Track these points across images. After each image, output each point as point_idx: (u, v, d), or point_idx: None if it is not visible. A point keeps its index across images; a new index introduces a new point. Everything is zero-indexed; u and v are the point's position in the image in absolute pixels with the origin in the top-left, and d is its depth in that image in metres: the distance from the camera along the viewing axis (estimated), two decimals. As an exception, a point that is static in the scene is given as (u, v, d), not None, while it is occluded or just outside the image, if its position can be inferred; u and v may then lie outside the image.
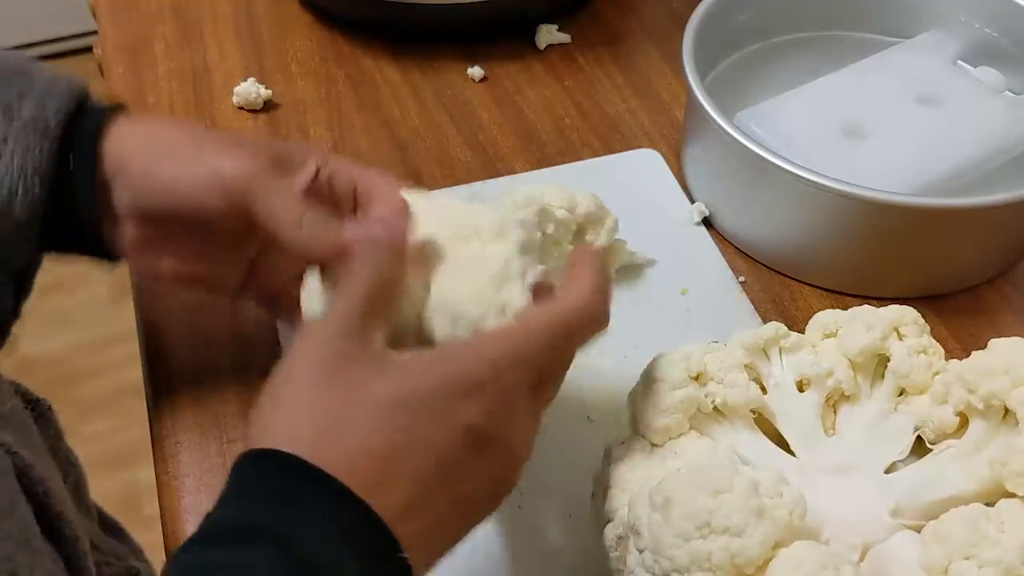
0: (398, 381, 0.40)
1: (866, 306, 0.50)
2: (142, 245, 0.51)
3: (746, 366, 0.48)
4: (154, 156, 0.49)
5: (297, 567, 0.35)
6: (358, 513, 0.37)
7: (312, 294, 0.48)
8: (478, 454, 0.40)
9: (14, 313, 0.52)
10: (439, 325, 0.44)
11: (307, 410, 0.39)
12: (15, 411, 0.45)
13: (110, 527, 0.60)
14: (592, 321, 0.44)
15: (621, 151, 0.73)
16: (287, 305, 0.54)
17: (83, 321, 1.59)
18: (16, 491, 0.41)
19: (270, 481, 0.38)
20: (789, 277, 0.66)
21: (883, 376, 0.49)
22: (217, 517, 0.37)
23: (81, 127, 0.50)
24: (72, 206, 0.50)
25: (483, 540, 0.52)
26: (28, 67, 0.51)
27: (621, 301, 0.55)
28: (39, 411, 0.52)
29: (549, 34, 0.82)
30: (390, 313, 0.43)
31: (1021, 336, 0.47)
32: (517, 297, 0.43)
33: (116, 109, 0.52)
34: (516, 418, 0.41)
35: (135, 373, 0.62)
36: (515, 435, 0.41)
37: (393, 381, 0.40)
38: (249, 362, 0.60)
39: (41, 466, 0.43)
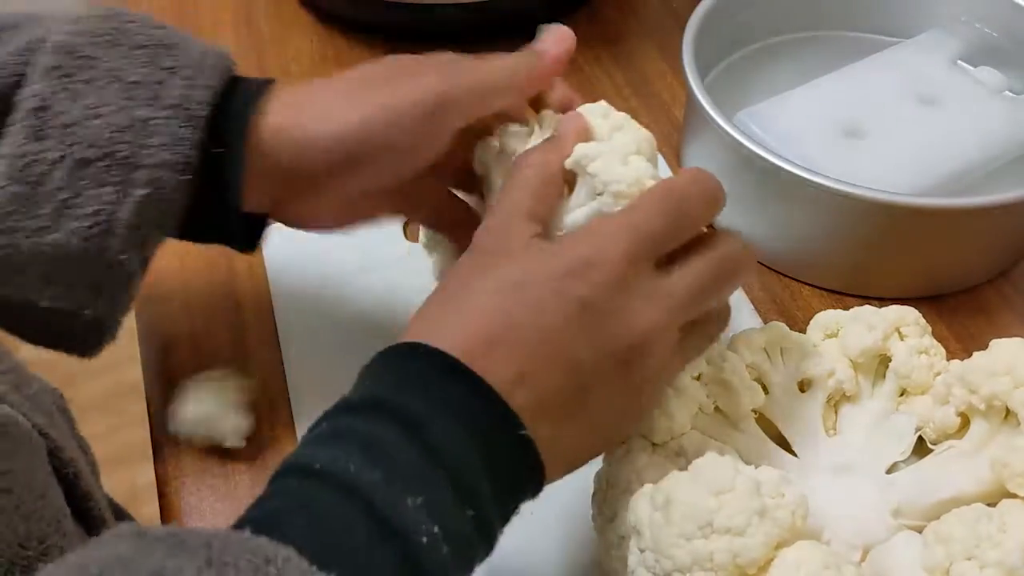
0: (518, 265, 0.42)
1: (867, 306, 0.50)
2: (314, 208, 0.51)
3: (747, 366, 0.48)
4: (311, 116, 0.49)
5: (416, 442, 0.37)
6: (466, 385, 0.39)
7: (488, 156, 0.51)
8: (593, 328, 0.41)
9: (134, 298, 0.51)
10: None
11: (435, 303, 0.43)
12: (41, 394, 0.44)
13: (120, 515, 0.60)
14: (697, 184, 0.45)
15: (621, 151, 0.73)
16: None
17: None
18: (48, 472, 0.40)
19: (393, 364, 0.40)
20: (789, 277, 0.66)
21: (884, 376, 0.49)
22: (347, 396, 0.40)
23: (230, 108, 0.48)
24: (218, 195, 0.49)
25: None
26: (176, 40, 0.50)
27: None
28: (53, 398, 0.51)
29: (549, 34, 0.82)
30: (547, 209, 0.45)
31: (1022, 336, 0.47)
32: None
33: (267, 84, 0.51)
34: (630, 289, 0.42)
35: (135, 373, 0.62)
36: (632, 307, 0.42)
37: (514, 265, 0.42)
38: (249, 362, 0.60)
39: (68, 447, 0.43)
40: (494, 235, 0.44)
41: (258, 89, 0.50)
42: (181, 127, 0.46)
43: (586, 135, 0.47)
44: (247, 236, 0.52)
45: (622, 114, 0.49)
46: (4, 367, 0.43)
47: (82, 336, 0.49)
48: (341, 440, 0.38)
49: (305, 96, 0.50)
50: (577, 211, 0.46)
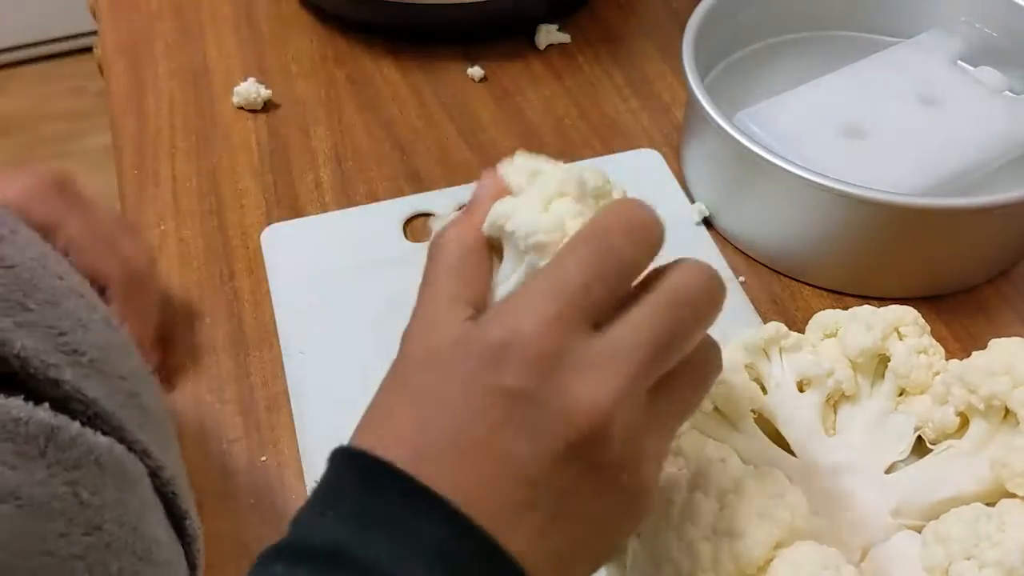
0: (440, 367, 0.36)
1: (866, 306, 0.50)
2: None
3: (746, 366, 0.48)
4: None
5: None
6: (439, 522, 0.33)
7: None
8: (529, 422, 0.34)
9: None
10: None
11: (377, 408, 0.38)
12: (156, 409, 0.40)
13: None
14: (622, 216, 0.37)
15: (621, 151, 0.73)
16: None
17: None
18: (145, 499, 0.36)
19: (350, 488, 0.35)
20: (789, 277, 0.66)
21: (883, 376, 0.49)
22: (306, 527, 0.35)
23: None
24: None
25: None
26: None
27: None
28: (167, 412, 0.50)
29: (549, 34, 0.82)
30: (474, 289, 0.39)
31: (1021, 336, 0.47)
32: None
33: None
34: (561, 364, 0.34)
35: (135, 373, 0.62)
36: (569, 386, 0.34)
37: (435, 369, 0.36)
38: (249, 362, 0.60)
39: (169, 465, 0.39)
40: (418, 334, 0.38)
41: None
42: None
43: (502, 193, 0.41)
44: None
45: (542, 157, 0.43)
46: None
47: None
48: None
49: None
50: (510, 280, 0.40)
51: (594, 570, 0.38)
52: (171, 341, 0.60)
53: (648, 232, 0.37)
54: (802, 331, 0.51)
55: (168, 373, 0.58)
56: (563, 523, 0.35)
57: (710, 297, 0.37)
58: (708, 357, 0.39)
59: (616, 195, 0.47)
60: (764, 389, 0.48)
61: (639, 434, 0.35)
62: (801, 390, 0.49)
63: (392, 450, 0.35)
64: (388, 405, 0.37)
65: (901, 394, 0.49)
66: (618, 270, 0.36)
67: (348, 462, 0.36)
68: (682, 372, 0.37)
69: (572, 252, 0.37)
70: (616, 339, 0.35)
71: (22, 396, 0.30)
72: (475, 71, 0.79)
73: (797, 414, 0.48)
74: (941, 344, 0.49)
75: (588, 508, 0.35)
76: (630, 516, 0.37)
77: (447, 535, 0.33)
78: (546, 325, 0.35)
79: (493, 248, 0.41)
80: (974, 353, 0.46)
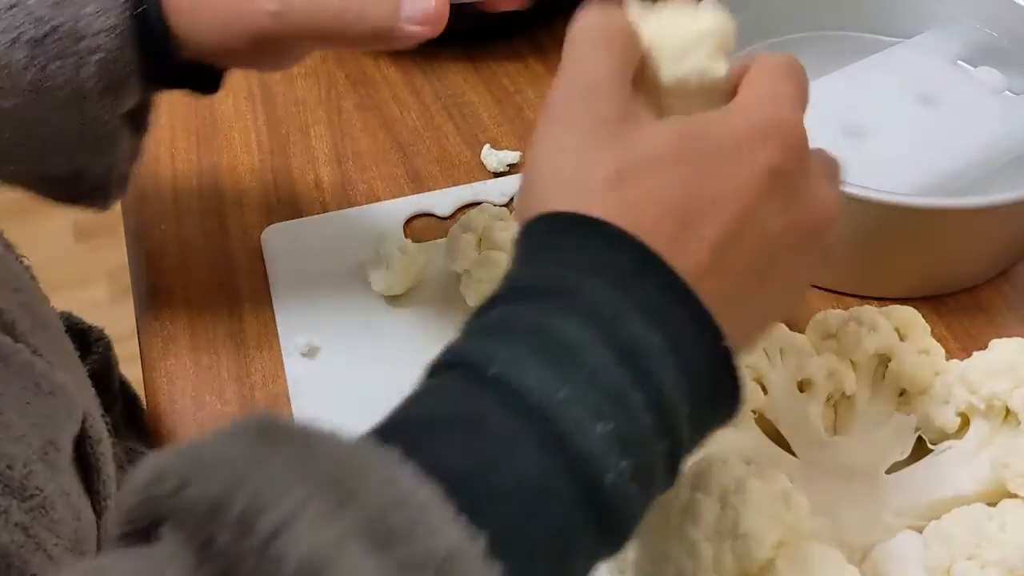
0: (682, 130, 0.36)
1: (867, 306, 0.50)
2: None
3: (747, 366, 0.48)
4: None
5: (613, 347, 0.31)
6: (659, 283, 0.33)
7: None
8: (784, 199, 0.36)
9: (134, 152, 0.55)
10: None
11: (590, 167, 0.35)
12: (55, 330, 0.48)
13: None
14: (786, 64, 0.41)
15: (621, 151, 0.73)
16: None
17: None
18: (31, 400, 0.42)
19: (571, 240, 0.34)
20: (789, 277, 0.66)
21: (884, 376, 0.49)
22: (517, 277, 0.34)
23: None
24: (154, 41, 0.50)
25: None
26: None
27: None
28: (88, 340, 0.58)
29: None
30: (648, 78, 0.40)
31: (1021, 336, 0.47)
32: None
33: None
34: (809, 155, 0.38)
35: (135, 372, 0.62)
36: (816, 177, 0.38)
37: (677, 132, 0.36)
38: (249, 362, 0.60)
39: (82, 395, 0.46)
40: (599, 101, 0.37)
41: None
42: None
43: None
44: (207, 76, 0.54)
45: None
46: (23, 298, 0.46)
47: (90, 194, 0.54)
48: (520, 336, 0.31)
49: None
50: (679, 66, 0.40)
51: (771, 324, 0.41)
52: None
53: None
54: (802, 331, 0.51)
55: None
56: (765, 293, 0.37)
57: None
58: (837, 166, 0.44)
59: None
60: (764, 389, 0.48)
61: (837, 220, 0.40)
62: (802, 390, 0.49)
63: (638, 218, 0.34)
64: (601, 157, 0.36)
65: (902, 394, 0.49)
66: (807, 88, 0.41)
67: (556, 219, 0.35)
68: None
69: (793, 71, 0.40)
70: (817, 155, 0.40)
71: None
72: (475, 71, 0.79)
73: (798, 414, 0.48)
74: (941, 344, 0.49)
75: (791, 278, 0.38)
76: (804, 288, 0.42)
77: (669, 301, 0.33)
78: (800, 116, 0.38)
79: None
80: (975, 353, 0.46)
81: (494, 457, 0.29)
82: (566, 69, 0.39)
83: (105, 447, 0.47)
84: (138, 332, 0.63)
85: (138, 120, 0.54)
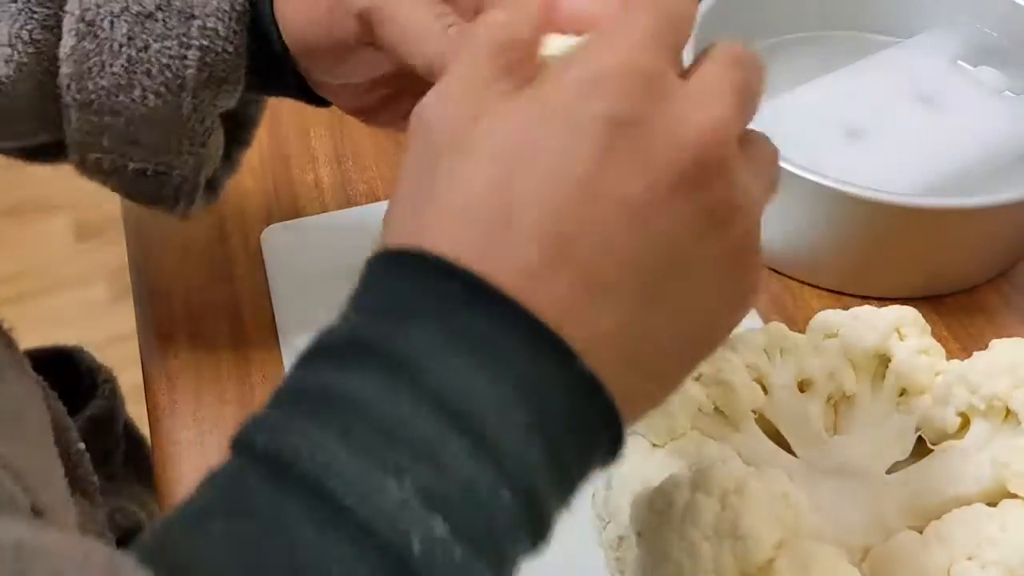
0: (504, 117, 0.30)
1: (867, 306, 0.50)
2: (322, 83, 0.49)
3: (747, 366, 0.48)
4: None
5: (414, 393, 0.26)
6: (484, 307, 0.27)
7: None
8: (638, 149, 0.29)
9: (231, 162, 0.53)
10: None
11: (406, 196, 0.31)
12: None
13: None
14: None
15: (621, 151, 0.73)
16: None
17: (83, 321, 1.59)
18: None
19: (382, 282, 0.30)
20: (789, 277, 0.66)
21: (884, 376, 0.49)
22: (331, 330, 0.31)
23: None
24: (266, 40, 0.47)
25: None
26: None
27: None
28: (95, 380, 0.56)
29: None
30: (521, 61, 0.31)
31: (1021, 336, 0.47)
32: None
33: None
34: (666, 89, 0.30)
35: (135, 373, 0.62)
36: (677, 109, 0.29)
37: (500, 119, 0.30)
38: (249, 362, 0.60)
39: (29, 463, 0.41)
40: (452, 99, 0.31)
41: None
42: None
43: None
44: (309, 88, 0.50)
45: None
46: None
47: (173, 196, 0.50)
48: (311, 403, 0.28)
49: None
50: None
51: (685, 373, 0.32)
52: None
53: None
54: (802, 331, 0.51)
55: None
56: (666, 294, 0.29)
57: (756, 58, 0.33)
58: (762, 139, 0.35)
59: None
60: (764, 389, 0.48)
61: (747, 179, 0.31)
62: (802, 390, 0.49)
63: (454, 237, 0.28)
64: (428, 186, 0.30)
65: (902, 394, 0.49)
66: (683, 18, 0.32)
67: (379, 262, 0.31)
68: (755, 136, 0.34)
69: (735, 57, 0.32)
70: (702, 79, 0.31)
71: None
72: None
73: (798, 414, 0.48)
74: (942, 344, 0.49)
75: (701, 268, 0.30)
76: (740, 287, 0.32)
77: (496, 327, 0.27)
78: (645, 48, 0.30)
79: None
80: (975, 353, 0.46)
81: (268, 542, 0.26)
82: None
83: (70, 527, 0.43)
84: (138, 332, 0.63)
85: (240, 129, 0.52)
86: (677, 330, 0.30)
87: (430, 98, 0.31)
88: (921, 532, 0.43)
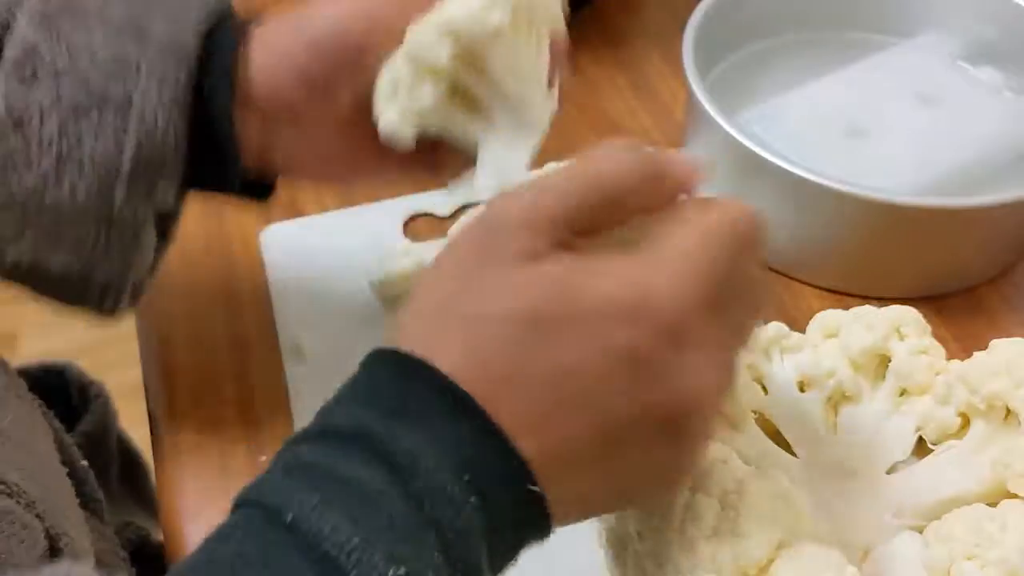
0: (547, 283, 0.34)
1: (867, 306, 0.50)
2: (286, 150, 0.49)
3: (747, 366, 0.48)
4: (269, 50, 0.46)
5: (405, 492, 0.32)
6: (471, 424, 0.33)
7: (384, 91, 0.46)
8: (639, 385, 0.34)
9: (155, 262, 0.50)
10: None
11: (433, 304, 0.36)
12: (16, 424, 0.43)
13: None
14: (742, 216, 0.37)
15: (621, 151, 0.73)
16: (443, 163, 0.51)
17: (83, 321, 1.59)
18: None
19: (386, 382, 0.35)
20: (789, 277, 0.66)
21: (884, 376, 0.49)
22: (331, 416, 0.35)
23: (215, 44, 0.46)
24: (212, 136, 0.47)
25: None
26: None
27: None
28: (87, 396, 0.54)
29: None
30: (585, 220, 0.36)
31: (1022, 336, 0.47)
32: None
33: (250, 24, 0.48)
34: (688, 340, 0.34)
35: (135, 373, 0.62)
36: (685, 364, 0.35)
37: (542, 283, 0.34)
38: (249, 362, 0.60)
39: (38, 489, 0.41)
40: (505, 228, 0.36)
41: (243, 24, 0.48)
42: (172, 66, 0.45)
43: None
44: (254, 183, 0.51)
45: None
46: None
47: (98, 298, 0.49)
48: (318, 480, 0.32)
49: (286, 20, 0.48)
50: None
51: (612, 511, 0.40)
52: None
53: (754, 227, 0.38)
54: (803, 331, 0.51)
55: None
56: (609, 471, 0.35)
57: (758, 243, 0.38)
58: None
59: None
60: (765, 389, 0.48)
61: (716, 406, 0.37)
62: (802, 390, 0.49)
63: (462, 366, 0.34)
64: (457, 304, 0.35)
65: (902, 394, 0.49)
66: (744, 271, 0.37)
67: (384, 359, 0.35)
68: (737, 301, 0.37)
69: (717, 242, 0.36)
70: (727, 327, 0.36)
71: None
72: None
73: (798, 414, 0.48)
74: (942, 344, 0.49)
75: (645, 460, 0.36)
76: (675, 475, 0.38)
77: (480, 445, 0.33)
78: (681, 291, 0.34)
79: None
80: (975, 353, 0.46)
81: None
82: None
83: (84, 550, 0.44)
84: (138, 332, 0.63)
85: (165, 227, 0.50)
86: (619, 483, 0.37)
87: (490, 211, 0.37)
88: (921, 532, 0.43)
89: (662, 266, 0.35)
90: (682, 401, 0.35)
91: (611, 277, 0.35)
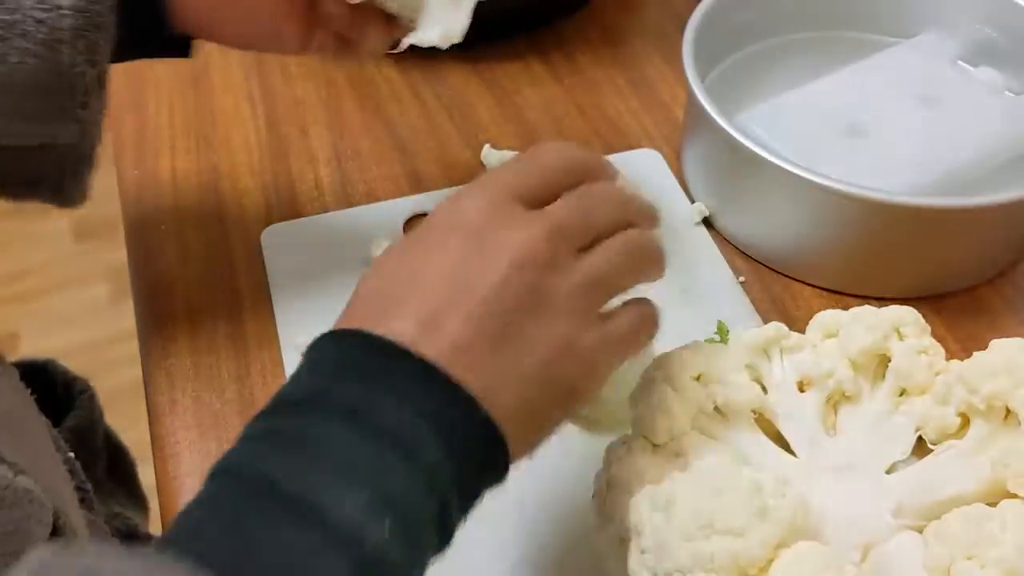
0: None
1: (867, 306, 0.50)
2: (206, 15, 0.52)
3: (747, 366, 0.48)
4: None
5: (361, 429, 0.35)
6: (401, 363, 0.37)
7: None
8: (480, 250, 0.40)
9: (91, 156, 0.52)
10: None
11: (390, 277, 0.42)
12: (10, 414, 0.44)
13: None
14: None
15: (621, 151, 0.73)
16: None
17: (83, 321, 1.59)
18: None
19: (327, 352, 0.39)
20: (789, 277, 0.66)
21: (884, 376, 0.49)
22: (285, 391, 0.38)
23: None
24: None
25: (483, 540, 0.52)
26: None
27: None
28: (72, 392, 0.56)
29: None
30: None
31: (1022, 336, 0.47)
32: None
33: None
34: (510, 216, 0.41)
35: (135, 373, 0.62)
36: (514, 229, 0.40)
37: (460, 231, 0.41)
38: (249, 362, 0.60)
39: (53, 492, 0.43)
40: (467, 195, 0.42)
41: None
42: None
43: None
44: (181, 43, 0.55)
45: None
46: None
47: (58, 171, 0.50)
48: (277, 440, 0.36)
49: None
50: None
51: (555, 424, 0.42)
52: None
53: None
54: (802, 331, 0.51)
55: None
56: (512, 346, 0.39)
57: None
58: (642, 242, 0.45)
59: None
60: (764, 389, 0.48)
61: (572, 282, 0.41)
62: (801, 390, 0.49)
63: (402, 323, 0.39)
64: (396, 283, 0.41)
65: (902, 394, 0.49)
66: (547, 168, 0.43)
67: (321, 340, 0.40)
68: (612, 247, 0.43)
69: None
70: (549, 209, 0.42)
71: None
72: (475, 71, 0.79)
73: (797, 414, 0.48)
74: (941, 344, 0.49)
75: (532, 335, 0.39)
76: (570, 368, 0.41)
77: (422, 383, 0.37)
78: (485, 196, 0.41)
79: None
80: (975, 353, 0.46)
81: (262, 549, 0.33)
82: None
83: (82, 535, 0.45)
84: (138, 332, 0.63)
85: (101, 81, 0.52)
86: (542, 376, 0.40)
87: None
88: (921, 532, 0.43)
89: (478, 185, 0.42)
90: (511, 244, 0.40)
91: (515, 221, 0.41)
